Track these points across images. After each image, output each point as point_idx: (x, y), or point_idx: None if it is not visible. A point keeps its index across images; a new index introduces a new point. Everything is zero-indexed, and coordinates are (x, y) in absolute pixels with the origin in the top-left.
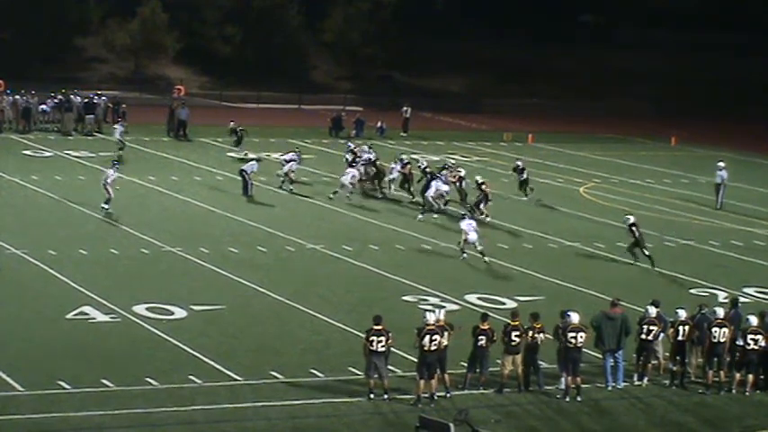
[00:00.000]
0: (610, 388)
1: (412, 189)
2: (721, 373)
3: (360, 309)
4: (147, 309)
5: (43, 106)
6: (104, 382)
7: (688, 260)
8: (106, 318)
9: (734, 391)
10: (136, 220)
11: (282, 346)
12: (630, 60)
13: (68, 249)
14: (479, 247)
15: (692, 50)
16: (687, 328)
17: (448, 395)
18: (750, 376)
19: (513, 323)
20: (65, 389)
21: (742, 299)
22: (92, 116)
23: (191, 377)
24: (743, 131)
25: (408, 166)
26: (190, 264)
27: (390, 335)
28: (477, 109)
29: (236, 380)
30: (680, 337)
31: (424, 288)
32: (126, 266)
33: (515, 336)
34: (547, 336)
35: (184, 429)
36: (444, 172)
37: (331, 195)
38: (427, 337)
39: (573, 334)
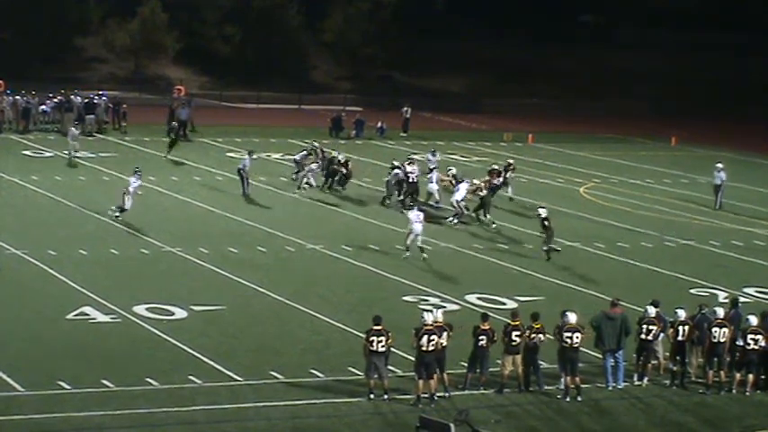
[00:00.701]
0: (610, 388)
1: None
2: (721, 373)
3: (360, 309)
4: (148, 309)
5: (43, 107)
6: (105, 382)
7: (688, 260)
8: (106, 318)
9: (734, 391)
10: (136, 221)
11: (282, 347)
12: (630, 60)
13: (68, 250)
14: (418, 242)
15: (692, 50)
16: (687, 328)
17: (447, 395)
18: (750, 376)
19: (513, 323)
20: (65, 389)
21: (742, 299)
22: (92, 116)
23: (191, 377)
24: (743, 131)
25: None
26: (190, 264)
27: (390, 335)
28: (477, 109)
29: (237, 380)
30: (680, 337)
31: (424, 288)
32: (126, 267)
33: (516, 336)
34: (548, 336)
35: (185, 429)
36: (436, 173)
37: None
38: (425, 338)
39: (569, 334)
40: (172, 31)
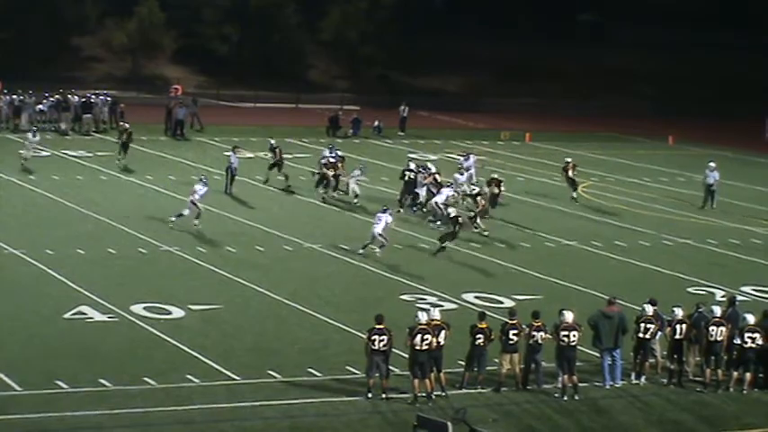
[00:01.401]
0: (608, 386)
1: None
2: (719, 371)
3: (358, 308)
4: (145, 308)
5: (40, 106)
6: (102, 381)
7: (686, 259)
8: (104, 317)
9: (731, 389)
10: (133, 220)
11: (280, 346)
12: (629, 59)
13: (66, 249)
14: (379, 241)
15: (690, 49)
16: (684, 326)
17: (445, 394)
18: (748, 374)
19: (510, 322)
20: (63, 388)
21: (740, 297)
22: (89, 115)
23: (189, 377)
24: (740, 130)
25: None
26: (188, 263)
27: (392, 334)
28: (475, 108)
29: (235, 379)
30: (677, 336)
31: (421, 287)
32: (124, 266)
33: (513, 334)
34: (546, 335)
35: (182, 429)
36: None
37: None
38: (418, 337)
39: (565, 332)
40: (169, 31)
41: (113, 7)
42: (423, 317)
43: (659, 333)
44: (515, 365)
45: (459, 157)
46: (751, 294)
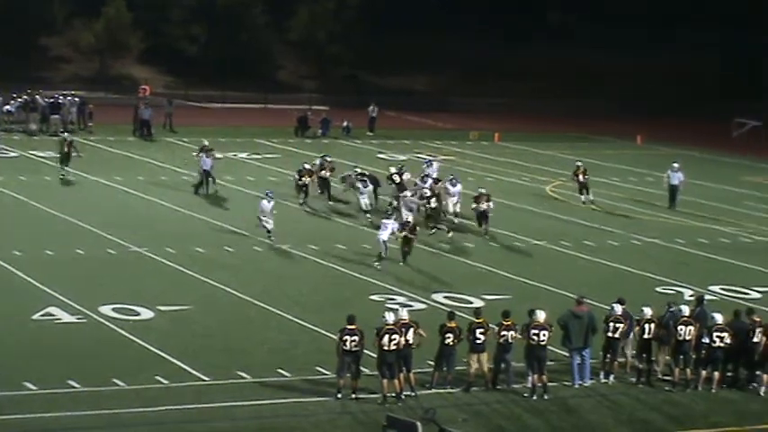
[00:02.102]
0: (577, 386)
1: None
2: (688, 370)
3: (327, 308)
4: (114, 309)
5: (7, 107)
6: (71, 382)
7: (654, 258)
8: (72, 318)
9: (700, 388)
10: (102, 221)
11: (250, 346)
12: (598, 58)
13: (34, 250)
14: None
15: (660, 48)
16: (653, 325)
17: (414, 394)
18: (716, 373)
19: (477, 321)
20: (31, 390)
21: (708, 296)
22: (57, 116)
23: (157, 378)
24: (709, 129)
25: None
26: (156, 264)
27: (364, 334)
28: (444, 107)
29: (204, 380)
30: (645, 335)
31: (391, 287)
32: (92, 267)
33: (480, 333)
34: (517, 335)
35: (151, 430)
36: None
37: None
38: (386, 337)
39: (536, 331)
40: (136, 31)
41: (81, 8)
42: (390, 317)
43: (630, 333)
44: (483, 365)
45: (423, 164)
46: (719, 293)
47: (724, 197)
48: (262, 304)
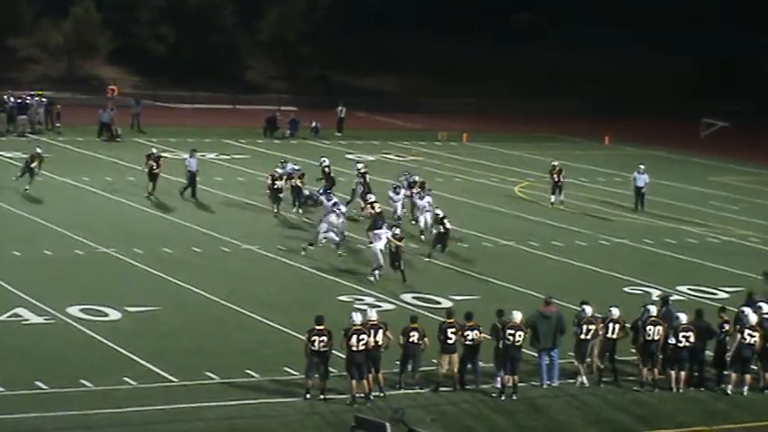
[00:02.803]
0: (545, 386)
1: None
2: (655, 370)
3: (295, 309)
4: (81, 310)
5: None
6: (38, 383)
7: (622, 258)
8: (40, 319)
9: (676, 389)
10: (69, 221)
11: (218, 347)
12: (568, 59)
13: (1, 250)
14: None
15: (629, 49)
16: (618, 325)
17: (383, 395)
18: (682, 373)
19: (448, 321)
20: None
21: (675, 297)
22: (24, 116)
23: (125, 378)
24: (677, 130)
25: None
26: (124, 265)
27: (332, 335)
28: (413, 108)
29: (172, 381)
30: (610, 334)
31: (359, 288)
32: (60, 267)
33: (451, 333)
34: (484, 335)
35: (119, 431)
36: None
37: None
38: (354, 337)
39: (512, 332)
40: (105, 31)
41: (49, 8)
42: (357, 317)
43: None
44: (454, 366)
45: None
46: (687, 294)
47: (692, 197)
48: (229, 305)
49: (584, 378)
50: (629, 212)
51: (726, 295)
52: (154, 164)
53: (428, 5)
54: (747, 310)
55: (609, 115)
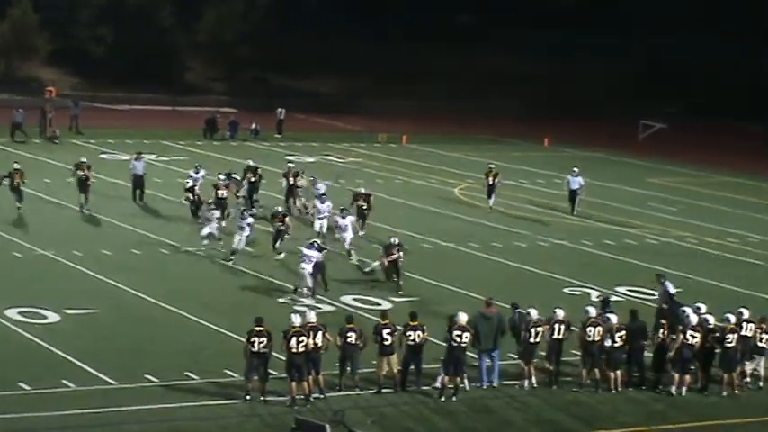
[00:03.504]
0: (485, 386)
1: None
2: (595, 371)
3: (234, 311)
4: (19, 313)
5: None
6: None
7: (561, 259)
8: None
9: (619, 389)
10: (7, 223)
11: (157, 349)
12: (508, 61)
13: None
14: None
15: (569, 51)
16: (563, 326)
17: (323, 396)
18: (618, 372)
19: (383, 322)
20: None
21: (614, 297)
22: None
23: (64, 381)
24: (615, 131)
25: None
26: (62, 267)
27: (272, 336)
28: (354, 110)
29: (111, 383)
30: (556, 335)
31: (299, 290)
32: None
33: (387, 334)
34: (424, 335)
35: None
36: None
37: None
38: (294, 339)
39: (459, 333)
40: (43, 32)
41: None
42: (296, 319)
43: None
44: (393, 367)
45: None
46: (625, 294)
47: (630, 199)
48: (168, 306)
49: (534, 380)
50: (567, 214)
51: None
52: (83, 173)
53: (368, 7)
54: (688, 310)
55: (548, 117)
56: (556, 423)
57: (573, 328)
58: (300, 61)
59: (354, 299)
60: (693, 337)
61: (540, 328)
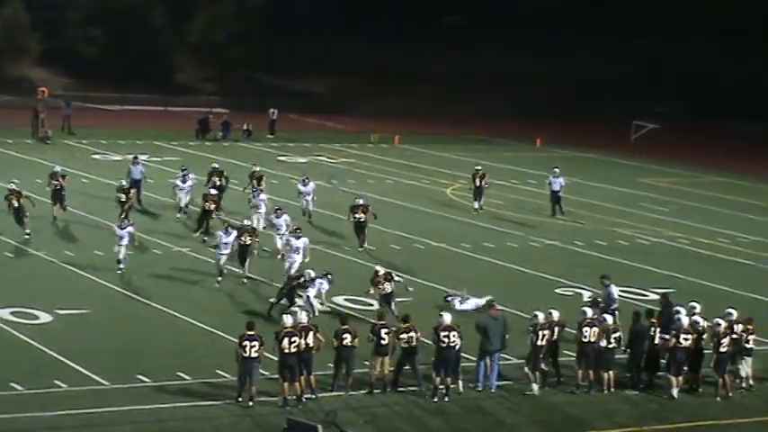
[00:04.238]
0: (480, 388)
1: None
2: (591, 372)
3: (226, 311)
4: (11, 313)
5: None
6: None
7: (553, 260)
8: None
9: (613, 390)
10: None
11: (149, 350)
12: (499, 61)
13: None
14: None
15: (561, 51)
16: (558, 328)
17: (315, 397)
18: (610, 373)
19: (380, 323)
20: None
21: None
22: None
23: (56, 382)
24: (608, 132)
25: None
26: (55, 267)
27: (264, 340)
28: (346, 110)
29: (103, 384)
30: (554, 338)
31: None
32: None
33: (384, 334)
34: (419, 337)
35: None
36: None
37: None
38: (285, 340)
39: (445, 333)
40: (35, 33)
41: None
42: (288, 320)
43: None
44: (386, 368)
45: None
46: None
47: (622, 199)
48: (161, 307)
49: (536, 386)
50: (559, 214)
51: (656, 297)
52: (57, 183)
53: (361, 7)
54: (682, 312)
55: (540, 117)
56: (550, 423)
57: (567, 328)
58: (293, 61)
59: (346, 299)
60: (686, 339)
61: (546, 331)
